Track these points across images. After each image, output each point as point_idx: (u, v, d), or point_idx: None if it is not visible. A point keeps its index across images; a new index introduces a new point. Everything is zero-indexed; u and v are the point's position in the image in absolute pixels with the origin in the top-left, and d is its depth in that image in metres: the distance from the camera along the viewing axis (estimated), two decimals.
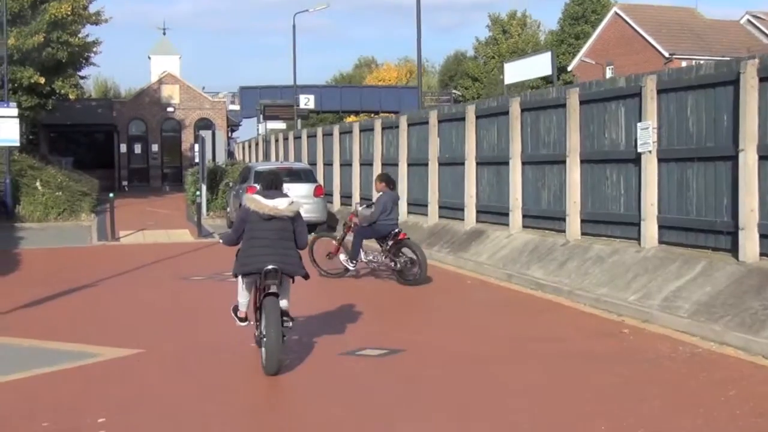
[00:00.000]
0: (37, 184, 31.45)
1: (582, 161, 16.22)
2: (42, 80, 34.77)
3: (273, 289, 9.91)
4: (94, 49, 47.05)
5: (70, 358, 10.94)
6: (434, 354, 10.87)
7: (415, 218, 23.48)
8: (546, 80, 56.50)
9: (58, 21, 35.40)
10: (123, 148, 52.33)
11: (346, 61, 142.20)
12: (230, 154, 49.76)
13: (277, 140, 40.45)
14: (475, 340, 11.57)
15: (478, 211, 20.25)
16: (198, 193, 27.78)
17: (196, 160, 42.42)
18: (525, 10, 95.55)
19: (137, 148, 52.95)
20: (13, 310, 14.38)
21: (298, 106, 41.77)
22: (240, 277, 10.46)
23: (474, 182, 20.26)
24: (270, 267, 9.88)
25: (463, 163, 20.79)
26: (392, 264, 16.55)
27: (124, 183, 50.40)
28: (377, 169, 26.22)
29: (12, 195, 30.39)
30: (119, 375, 10.17)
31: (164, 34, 57.10)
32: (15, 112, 30.45)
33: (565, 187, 16.66)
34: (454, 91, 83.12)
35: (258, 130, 48.15)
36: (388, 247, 16.65)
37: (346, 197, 29.51)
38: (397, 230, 16.66)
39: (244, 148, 52.50)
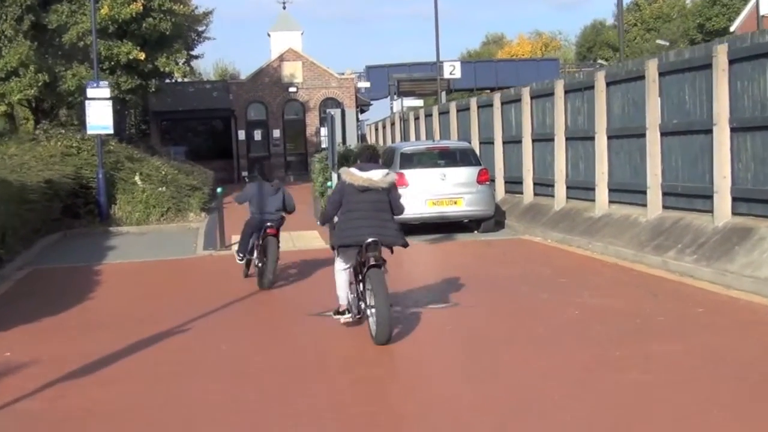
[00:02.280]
0: (136, 178, 26.16)
1: None
2: (142, 56, 29.54)
3: (377, 261, 9.98)
4: (205, 21, 42.22)
5: None
6: None
7: (624, 209, 17.20)
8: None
9: None
10: (241, 134, 46.74)
11: (471, 42, 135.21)
12: (362, 137, 44.01)
13: (417, 118, 34.34)
14: None
15: (734, 199, 13.88)
16: (329, 183, 21.93)
17: (323, 145, 36.86)
18: None
19: (257, 135, 47.24)
20: (43, 389, 8.78)
21: (442, 77, 35.59)
22: (337, 252, 10.54)
23: (728, 157, 13.88)
24: (370, 240, 10.01)
25: (705, 131, 14.48)
26: (258, 263, 14.41)
27: (244, 174, 45.05)
28: (559, 144, 20.02)
29: (106, 193, 25.16)
30: None
31: (284, 8, 51.51)
32: (107, 92, 25.23)
33: None
34: (600, 61, 76.04)
35: (392, 108, 42.22)
36: (258, 243, 14.47)
37: (512, 183, 23.35)
38: (268, 224, 14.29)
39: (377, 129, 46.44)
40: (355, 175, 10.26)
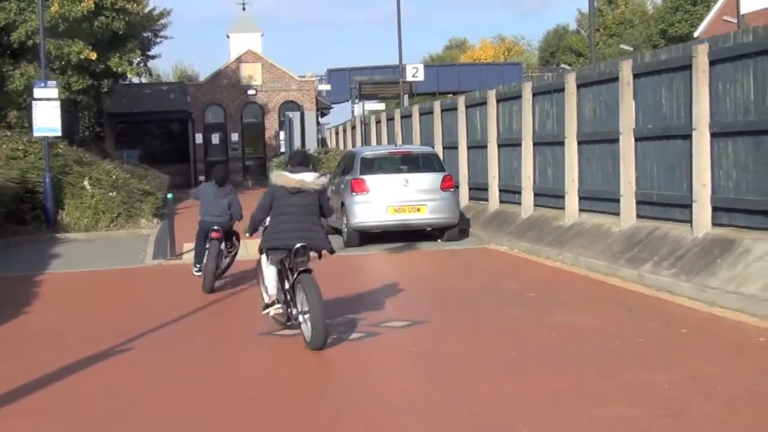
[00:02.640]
0: (85, 182, 25.08)
1: None
2: (93, 56, 28.42)
3: (305, 266, 9.91)
4: (162, 21, 41.27)
5: None
6: None
7: (595, 218, 16.38)
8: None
9: None
10: (199, 138, 45.52)
11: (434, 46, 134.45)
12: (323, 141, 43.03)
13: (378, 122, 33.43)
14: None
15: (715, 209, 13.07)
16: None
17: (282, 149, 35.95)
18: None
19: (215, 138, 46.03)
20: None
21: (405, 79, 34.64)
22: (265, 255, 10.48)
23: (708, 163, 13.06)
24: (299, 245, 9.94)
25: (683, 136, 13.70)
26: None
27: (201, 178, 43.98)
28: (527, 149, 19.20)
29: (53, 198, 24.04)
30: None
31: (243, 9, 50.28)
32: (55, 93, 24.14)
33: None
34: (563, 66, 75.56)
35: (353, 111, 41.28)
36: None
37: (477, 189, 22.50)
38: (214, 227, 14.34)
39: (337, 133, 45.42)
40: (287, 177, 10.26)
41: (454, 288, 13.93)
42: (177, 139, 47.31)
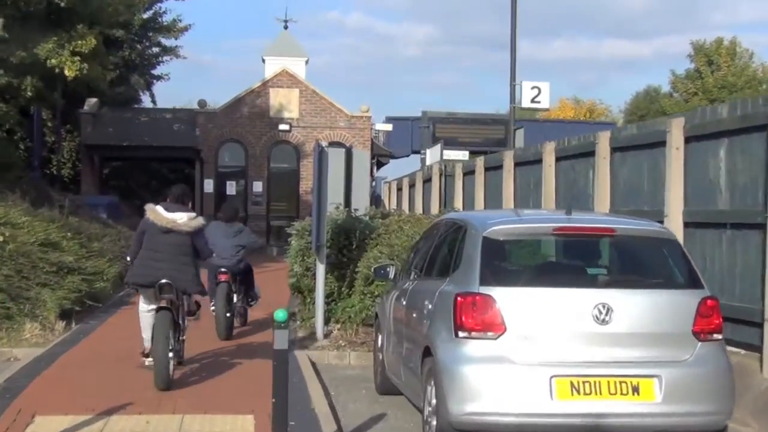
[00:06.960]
0: None
1: None
2: None
3: (164, 303, 9.96)
4: (174, 33, 30.69)
5: None
6: None
7: None
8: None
9: None
10: (209, 185, 33.94)
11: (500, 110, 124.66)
12: (377, 199, 31.15)
13: (468, 173, 20.99)
14: None
15: None
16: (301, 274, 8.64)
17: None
18: (734, 37, 75.84)
19: (231, 187, 34.53)
20: None
21: (517, 103, 22.43)
22: (141, 298, 10.53)
23: None
24: (164, 281, 10.00)
25: None
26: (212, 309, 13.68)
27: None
28: None
29: None
30: None
31: (285, 27, 38.99)
32: None
33: None
34: None
35: (423, 159, 29.41)
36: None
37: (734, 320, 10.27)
38: (221, 269, 13.46)
39: (399, 190, 32.58)
40: (159, 214, 10.13)
41: None
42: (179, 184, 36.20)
